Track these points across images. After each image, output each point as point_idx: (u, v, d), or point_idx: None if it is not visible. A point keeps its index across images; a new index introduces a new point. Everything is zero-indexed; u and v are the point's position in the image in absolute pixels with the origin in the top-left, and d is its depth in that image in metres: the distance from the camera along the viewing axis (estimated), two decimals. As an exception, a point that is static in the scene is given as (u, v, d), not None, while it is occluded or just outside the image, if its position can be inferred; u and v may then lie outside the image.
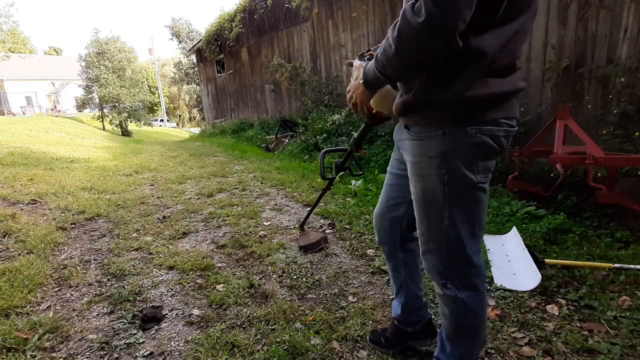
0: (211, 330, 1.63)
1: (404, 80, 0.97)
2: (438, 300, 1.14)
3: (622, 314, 1.61)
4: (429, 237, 1.05)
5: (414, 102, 0.94)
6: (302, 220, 2.61)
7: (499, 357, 1.43)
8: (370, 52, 1.11)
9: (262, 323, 1.67)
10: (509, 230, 2.45)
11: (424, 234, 1.06)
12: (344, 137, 5.64)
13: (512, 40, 0.84)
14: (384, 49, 0.87)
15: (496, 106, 0.89)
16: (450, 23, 0.73)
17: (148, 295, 1.94)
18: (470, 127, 0.89)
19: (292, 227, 2.93)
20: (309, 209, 2.58)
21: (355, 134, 1.51)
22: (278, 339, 1.54)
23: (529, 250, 2.04)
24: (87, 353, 1.51)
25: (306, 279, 2.09)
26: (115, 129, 20.53)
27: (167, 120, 36.04)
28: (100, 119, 20.51)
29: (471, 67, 0.84)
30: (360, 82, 1.05)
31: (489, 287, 1.90)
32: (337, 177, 2.14)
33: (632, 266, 1.90)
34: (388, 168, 1.31)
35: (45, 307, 1.83)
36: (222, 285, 2.02)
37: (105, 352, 1.51)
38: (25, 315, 1.74)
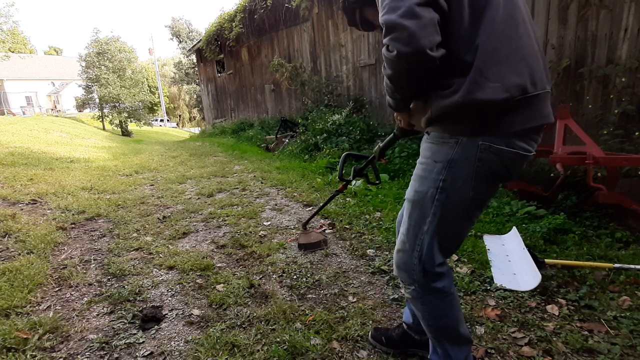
0: (211, 330, 1.63)
1: (421, 99, 1.05)
2: (411, 304, 1.19)
3: (622, 314, 1.61)
4: (405, 238, 1.11)
5: (430, 117, 1.01)
6: (306, 219, 2.61)
7: (499, 357, 1.43)
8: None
9: (262, 323, 1.67)
10: (509, 230, 2.45)
11: (403, 233, 1.12)
12: (344, 137, 5.64)
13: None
14: (384, 83, 1.01)
15: (507, 111, 0.91)
16: (415, 50, 0.83)
17: (148, 295, 1.94)
18: (482, 141, 0.93)
19: (292, 227, 2.93)
20: (313, 208, 2.58)
21: (381, 143, 1.53)
22: (278, 339, 1.54)
23: (529, 250, 2.03)
24: (87, 353, 1.51)
25: (306, 279, 2.09)
26: (116, 129, 20.53)
27: (167, 120, 36.01)
28: (100, 119, 20.51)
29: (466, 76, 0.89)
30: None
31: (489, 287, 1.90)
32: (354, 181, 2.15)
33: (632, 266, 1.90)
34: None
35: (45, 307, 1.83)
36: (222, 285, 2.02)
37: (105, 352, 1.51)
38: (25, 315, 1.74)
